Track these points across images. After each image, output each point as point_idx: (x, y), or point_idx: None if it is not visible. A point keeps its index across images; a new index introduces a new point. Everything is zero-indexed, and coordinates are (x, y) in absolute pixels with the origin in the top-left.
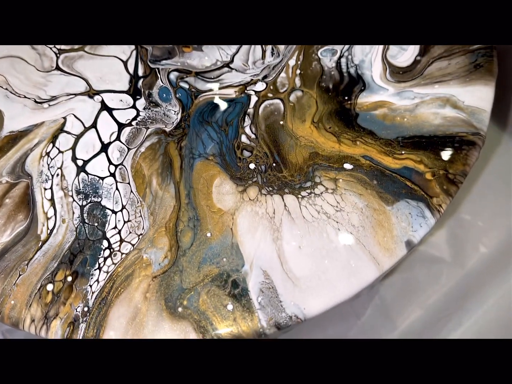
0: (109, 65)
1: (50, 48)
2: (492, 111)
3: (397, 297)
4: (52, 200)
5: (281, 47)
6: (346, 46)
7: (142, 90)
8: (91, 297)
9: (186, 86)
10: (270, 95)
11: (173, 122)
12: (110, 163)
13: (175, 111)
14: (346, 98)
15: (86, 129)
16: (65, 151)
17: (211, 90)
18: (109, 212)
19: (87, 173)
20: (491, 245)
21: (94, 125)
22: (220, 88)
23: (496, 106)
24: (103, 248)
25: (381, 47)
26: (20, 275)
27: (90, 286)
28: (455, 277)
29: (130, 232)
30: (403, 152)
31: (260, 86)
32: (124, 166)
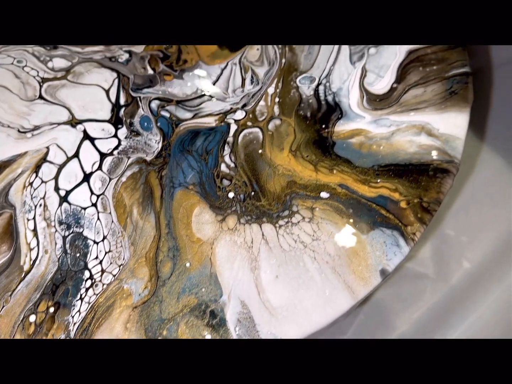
0: (91, 93)
1: (34, 77)
2: (470, 121)
3: (382, 313)
4: (35, 230)
5: (261, 75)
6: (325, 73)
7: (124, 119)
8: (73, 328)
9: (167, 114)
10: (249, 123)
11: (154, 151)
12: (92, 193)
13: (156, 140)
14: (323, 126)
15: (69, 159)
16: (48, 181)
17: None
18: (91, 243)
19: (69, 203)
20: (475, 260)
21: (76, 155)
22: (200, 117)
23: (475, 115)
24: (85, 278)
25: (358, 74)
26: (3, 306)
27: (72, 317)
28: (439, 293)
29: (111, 263)
30: (378, 181)
31: (240, 115)
32: (106, 196)
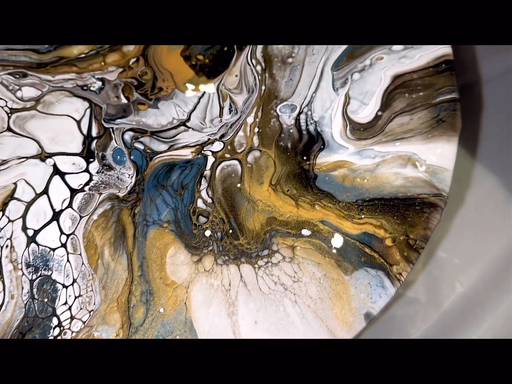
0: (62, 125)
1: (1, 107)
2: (462, 138)
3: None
4: (0, 274)
5: (239, 103)
6: (306, 101)
7: (96, 152)
8: None
9: (141, 147)
10: (227, 155)
11: (127, 187)
12: (62, 232)
13: (129, 175)
14: (305, 158)
15: (38, 196)
16: (15, 220)
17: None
18: (60, 287)
19: (37, 244)
20: (468, 284)
21: (45, 191)
22: (176, 149)
23: (466, 132)
24: (53, 326)
25: (341, 101)
26: None
27: None
28: (431, 319)
29: (81, 308)
30: (362, 216)
31: (218, 146)
32: (76, 236)
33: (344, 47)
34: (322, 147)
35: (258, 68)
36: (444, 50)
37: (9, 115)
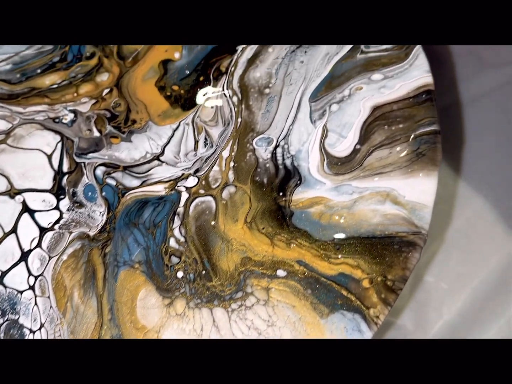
0: (32, 159)
1: None
2: (447, 157)
3: None
4: None
5: (215, 136)
6: (283, 134)
7: (67, 188)
8: None
9: (113, 182)
10: (201, 191)
11: (97, 225)
12: (30, 274)
13: (100, 212)
14: (281, 194)
15: (6, 235)
16: None
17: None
18: (27, 332)
19: (5, 286)
20: (455, 309)
21: (14, 230)
22: (149, 185)
23: (451, 152)
24: None
25: (319, 134)
26: None
27: None
28: None
29: None
30: (339, 256)
31: (192, 182)
32: (45, 277)
33: (322, 76)
34: (298, 182)
35: (235, 99)
36: (425, 79)
37: None
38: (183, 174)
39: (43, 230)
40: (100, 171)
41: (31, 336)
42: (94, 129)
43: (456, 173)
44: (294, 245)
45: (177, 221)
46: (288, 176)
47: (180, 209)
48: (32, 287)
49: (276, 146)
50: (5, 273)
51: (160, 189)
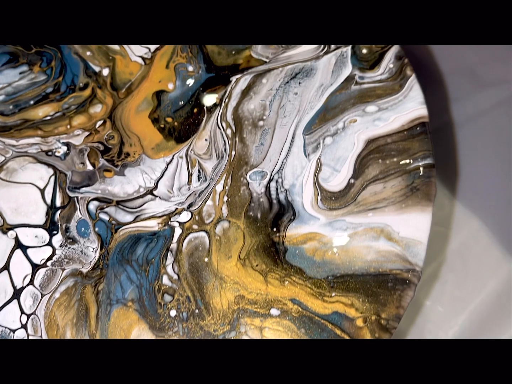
0: (25, 194)
1: None
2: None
3: None
4: None
5: (208, 170)
6: (277, 168)
7: (59, 223)
8: None
9: (106, 218)
10: (195, 226)
11: (90, 262)
12: (22, 312)
13: (93, 248)
14: (275, 229)
15: None
16: None
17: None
18: None
19: None
20: (451, 333)
21: (6, 267)
22: (142, 220)
23: (445, 172)
24: None
25: (312, 168)
26: None
27: None
28: None
29: None
30: (333, 294)
31: (185, 217)
32: (37, 316)
33: (316, 108)
34: (292, 217)
35: (229, 131)
36: (419, 112)
37: None
38: (176, 209)
39: (35, 267)
40: (93, 205)
41: None
42: (88, 163)
43: (452, 193)
44: (288, 282)
45: (170, 258)
46: (282, 211)
47: (173, 245)
48: (24, 326)
49: (270, 180)
50: None
51: (153, 225)
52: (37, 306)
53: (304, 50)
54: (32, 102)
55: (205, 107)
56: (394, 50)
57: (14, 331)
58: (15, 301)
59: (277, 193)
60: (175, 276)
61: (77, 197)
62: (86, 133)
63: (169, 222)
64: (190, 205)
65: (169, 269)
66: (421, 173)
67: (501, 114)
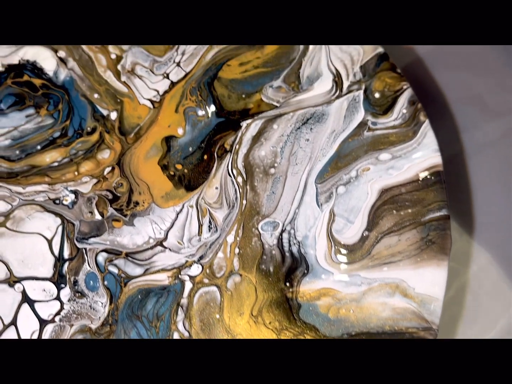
0: (32, 244)
1: None
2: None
3: None
4: None
5: (219, 220)
6: (289, 219)
7: (68, 277)
8: None
9: (115, 270)
10: (206, 281)
11: (99, 317)
12: None
13: (102, 303)
14: (288, 284)
15: (5, 327)
16: None
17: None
18: None
19: None
20: None
21: (14, 322)
22: (152, 273)
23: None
24: None
25: (325, 219)
26: None
27: None
28: None
29: None
30: None
31: (196, 270)
32: None
33: (329, 155)
34: (306, 271)
35: (239, 179)
36: (434, 160)
37: None
38: (186, 261)
39: (43, 323)
40: (102, 257)
41: None
42: (96, 212)
43: (461, 226)
44: None
45: (180, 314)
46: (295, 265)
47: (184, 300)
48: None
49: (282, 231)
50: None
51: (163, 278)
52: None
53: (315, 94)
54: (39, 147)
55: (215, 153)
56: (407, 94)
57: None
58: None
59: (289, 245)
60: (186, 334)
61: (85, 249)
62: (94, 181)
63: (180, 276)
64: (200, 257)
65: (180, 325)
66: (436, 226)
67: (510, 144)
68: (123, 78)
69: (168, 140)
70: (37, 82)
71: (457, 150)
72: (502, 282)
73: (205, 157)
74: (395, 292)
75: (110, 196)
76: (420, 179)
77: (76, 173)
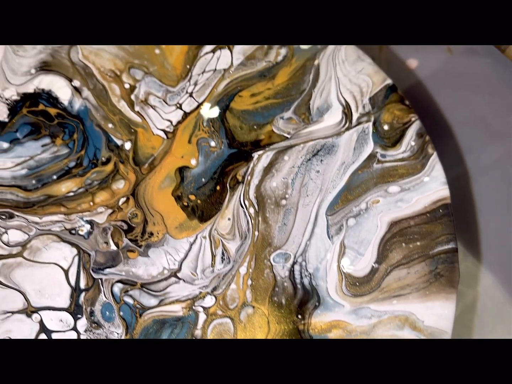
0: (49, 275)
1: None
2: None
3: None
4: None
5: (232, 251)
6: (300, 250)
7: (84, 307)
8: None
9: (130, 301)
10: (219, 312)
11: None
12: None
13: (118, 334)
14: (299, 316)
15: None
16: None
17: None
18: None
19: None
20: None
21: None
22: (166, 304)
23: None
24: None
25: (336, 251)
26: None
27: None
28: None
29: None
30: None
31: (209, 301)
32: None
33: (339, 187)
34: (317, 304)
35: (251, 210)
36: (442, 193)
37: None
38: (200, 292)
39: None
40: (117, 288)
41: None
42: (111, 242)
43: (466, 247)
44: None
45: None
46: (306, 297)
47: (198, 332)
48: None
49: (294, 263)
50: None
51: (177, 309)
52: None
53: (325, 126)
54: (55, 177)
55: (228, 184)
56: (415, 127)
57: None
58: None
59: (301, 277)
60: None
61: (101, 279)
62: (109, 211)
63: (193, 307)
64: (214, 289)
65: None
66: (444, 259)
67: None
68: (137, 108)
69: (182, 170)
70: (53, 111)
71: (461, 171)
72: (507, 304)
73: (218, 187)
74: (405, 325)
75: (125, 227)
76: (429, 212)
77: (91, 203)
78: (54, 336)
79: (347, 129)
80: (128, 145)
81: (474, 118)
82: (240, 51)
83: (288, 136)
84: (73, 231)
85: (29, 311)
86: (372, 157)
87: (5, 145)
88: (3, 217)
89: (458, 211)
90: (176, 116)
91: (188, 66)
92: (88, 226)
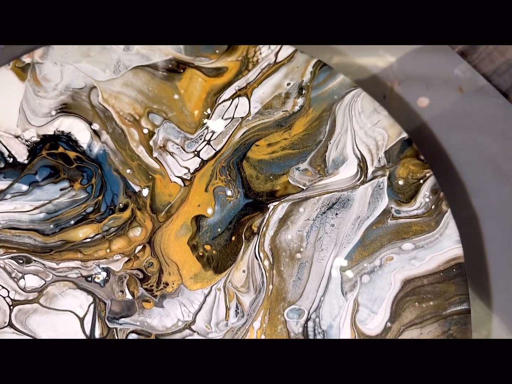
0: (64, 322)
1: (3, 298)
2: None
3: None
4: None
5: (246, 304)
6: (314, 306)
7: None
8: None
9: None
10: None
11: None
12: None
13: None
14: None
15: None
16: None
17: None
18: None
19: None
20: None
21: None
22: None
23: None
24: None
25: (350, 308)
26: None
27: None
28: None
29: None
30: None
31: None
32: None
33: (353, 242)
34: None
35: (266, 263)
36: (455, 251)
37: (11, 307)
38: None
39: None
40: (131, 338)
41: None
42: (127, 291)
43: (476, 292)
44: None
45: None
46: None
47: None
48: None
49: (308, 319)
50: None
51: None
52: None
53: (340, 179)
54: (72, 222)
55: (243, 235)
56: (429, 183)
57: None
58: None
59: (314, 334)
60: None
61: (116, 329)
62: (126, 259)
63: None
64: None
65: None
66: (457, 320)
67: None
68: (155, 154)
69: (198, 219)
70: (72, 154)
71: (470, 213)
72: None
73: (233, 238)
74: None
75: (141, 276)
76: (442, 271)
77: (108, 250)
78: None
79: (362, 182)
80: (145, 192)
81: (483, 160)
82: (258, 99)
83: (304, 188)
84: (89, 279)
85: None
86: (386, 212)
87: (24, 187)
88: (21, 261)
89: (468, 254)
90: (194, 163)
91: (206, 113)
92: (104, 274)
